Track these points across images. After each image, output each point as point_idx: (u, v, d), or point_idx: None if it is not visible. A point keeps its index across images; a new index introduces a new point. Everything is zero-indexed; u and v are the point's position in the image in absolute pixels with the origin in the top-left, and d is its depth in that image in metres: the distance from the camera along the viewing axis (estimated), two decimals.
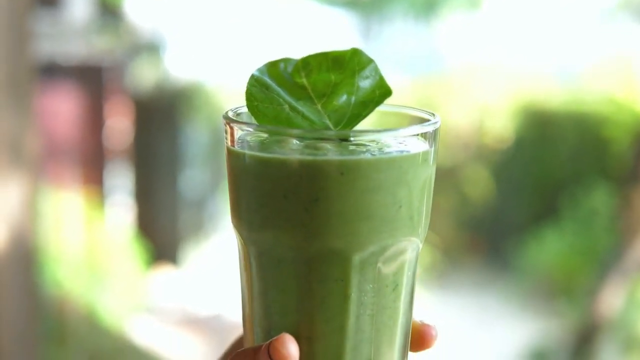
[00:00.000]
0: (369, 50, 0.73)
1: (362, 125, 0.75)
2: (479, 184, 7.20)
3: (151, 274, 5.92)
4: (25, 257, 2.22)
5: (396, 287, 0.73)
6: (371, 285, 0.71)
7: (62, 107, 5.81)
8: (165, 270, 6.35)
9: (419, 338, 0.77)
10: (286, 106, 0.73)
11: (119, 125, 6.37)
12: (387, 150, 0.71)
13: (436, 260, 6.61)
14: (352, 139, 0.71)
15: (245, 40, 8.28)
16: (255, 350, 0.71)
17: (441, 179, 7.22)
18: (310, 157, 0.68)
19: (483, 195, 7.18)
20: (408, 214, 0.71)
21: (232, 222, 0.76)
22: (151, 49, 6.82)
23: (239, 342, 0.85)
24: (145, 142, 6.61)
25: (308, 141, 0.70)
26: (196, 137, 7.19)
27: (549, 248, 6.15)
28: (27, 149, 2.18)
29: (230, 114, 0.76)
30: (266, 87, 0.73)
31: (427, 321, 0.78)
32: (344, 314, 0.71)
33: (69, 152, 5.84)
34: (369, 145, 0.71)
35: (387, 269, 0.72)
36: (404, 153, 0.71)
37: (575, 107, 6.97)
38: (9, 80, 2.10)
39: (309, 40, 9.16)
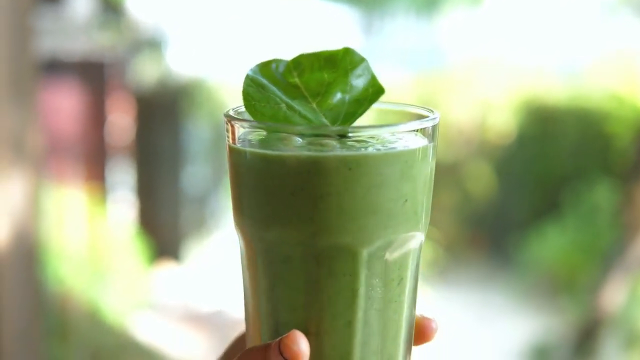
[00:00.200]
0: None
1: (358, 122, 0.75)
2: (481, 179, 7.20)
3: (153, 270, 5.92)
4: (28, 253, 2.22)
5: (401, 281, 0.74)
6: (378, 280, 0.72)
7: (64, 104, 5.81)
8: (167, 267, 6.36)
9: (419, 331, 0.78)
10: (283, 105, 0.74)
11: (121, 121, 6.37)
12: (390, 145, 0.72)
13: (438, 256, 6.61)
14: (355, 134, 0.72)
15: (247, 37, 8.28)
16: (266, 348, 0.71)
17: (443, 175, 7.23)
18: (318, 153, 0.69)
19: (485, 191, 7.18)
20: (413, 208, 0.72)
21: (236, 220, 0.76)
22: (153, 45, 6.82)
23: (239, 341, 0.85)
24: (148, 138, 6.61)
25: (311, 138, 0.71)
26: (198, 133, 7.19)
27: (551, 244, 6.15)
28: (29, 146, 2.18)
29: (232, 113, 0.76)
30: (262, 86, 0.74)
31: (427, 315, 0.79)
32: (352, 309, 0.71)
33: (71, 148, 5.84)
34: (369, 142, 0.71)
35: (393, 263, 0.73)
36: (409, 148, 0.72)
37: (578, 103, 6.97)
38: (11, 77, 2.10)
39: (311, 36, 9.16)
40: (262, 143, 0.73)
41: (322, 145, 0.70)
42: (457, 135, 7.16)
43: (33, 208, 2.22)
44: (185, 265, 6.59)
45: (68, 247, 4.87)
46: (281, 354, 0.69)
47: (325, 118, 0.74)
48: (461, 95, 7.33)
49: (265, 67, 0.75)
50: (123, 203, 6.36)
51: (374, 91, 0.75)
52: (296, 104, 0.74)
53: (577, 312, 5.10)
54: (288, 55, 0.77)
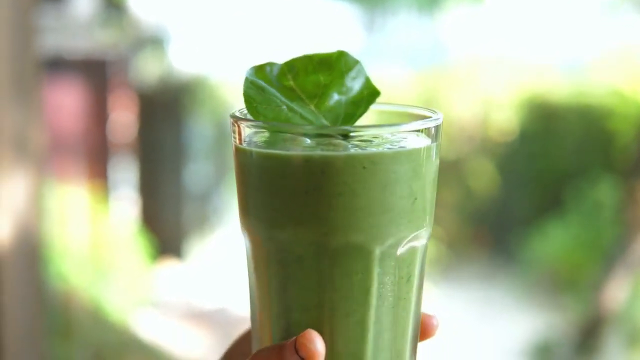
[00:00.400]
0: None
1: (358, 124, 0.76)
2: (484, 177, 7.20)
3: (156, 267, 5.92)
4: (31, 251, 2.22)
5: (409, 278, 0.75)
6: (388, 277, 0.73)
7: (67, 101, 5.82)
8: (169, 264, 6.36)
9: (421, 328, 0.79)
10: (284, 107, 0.74)
11: (124, 119, 6.37)
12: (398, 144, 0.73)
13: (441, 253, 6.61)
14: (365, 134, 0.73)
15: (249, 34, 8.28)
16: (280, 348, 0.71)
17: (446, 172, 7.23)
18: (334, 153, 0.70)
19: (487, 189, 7.18)
20: (422, 206, 0.73)
21: (243, 221, 0.76)
22: (155, 42, 6.82)
23: (240, 342, 0.85)
24: (150, 135, 6.61)
25: (319, 138, 0.72)
26: (200, 130, 7.19)
27: (554, 241, 6.15)
28: (32, 143, 2.18)
29: (238, 114, 0.76)
30: (262, 89, 0.75)
31: (428, 311, 0.80)
32: (364, 307, 0.72)
33: (74, 146, 5.84)
34: (373, 141, 0.72)
35: (403, 261, 0.73)
36: (419, 147, 0.73)
37: (580, 100, 6.96)
38: (13, 75, 2.10)
39: (313, 34, 9.16)
40: (270, 144, 0.73)
41: (333, 145, 0.71)
42: (459, 132, 7.16)
43: (36, 206, 2.22)
44: (188, 262, 6.60)
45: (71, 244, 4.88)
46: (297, 352, 0.70)
47: (326, 119, 0.75)
48: (463, 93, 7.32)
49: (260, 70, 0.75)
50: (125, 201, 6.37)
51: (369, 93, 0.76)
52: (296, 106, 0.75)
53: (579, 309, 5.10)
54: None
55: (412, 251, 0.74)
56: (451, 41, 9.02)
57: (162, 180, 6.68)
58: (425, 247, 0.77)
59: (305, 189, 0.70)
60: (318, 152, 0.70)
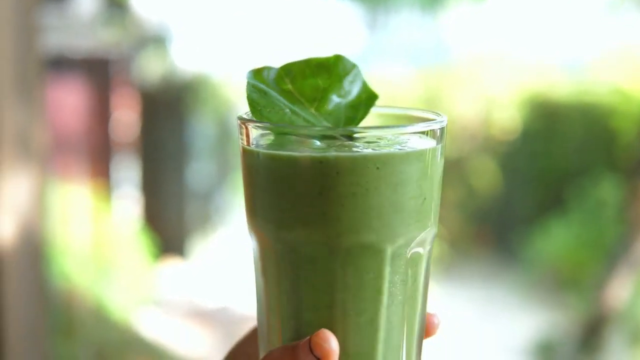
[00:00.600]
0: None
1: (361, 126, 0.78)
2: (486, 175, 7.20)
3: (158, 266, 5.93)
4: (33, 250, 2.23)
5: (417, 277, 0.76)
6: (398, 277, 0.73)
7: (69, 100, 5.82)
8: (172, 263, 6.37)
9: None
10: (287, 110, 0.75)
11: (126, 117, 6.38)
12: (406, 145, 0.73)
13: (443, 252, 6.62)
14: (375, 134, 0.73)
15: (252, 33, 8.28)
16: (294, 348, 0.71)
17: (448, 171, 7.19)
18: (347, 154, 0.71)
19: (490, 187, 7.18)
20: (430, 206, 0.75)
21: (251, 223, 0.76)
22: (158, 41, 6.83)
23: (244, 342, 0.85)
24: (152, 134, 6.61)
25: (329, 140, 0.72)
26: (203, 129, 7.20)
27: (556, 240, 6.15)
28: (35, 142, 2.18)
29: (245, 116, 0.77)
30: (264, 92, 0.75)
31: (429, 310, 0.80)
32: (375, 306, 0.73)
33: (76, 144, 5.85)
34: (379, 142, 0.73)
35: (412, 260, 0.74)
36: (428, 147, 0.74)
37: (582, 99, 6.96)
38: (16, 74, 2.10)
39: (316, 32, 9.16)
40: (278, 145, 0.74)
41: (345, 146, 0.72)
42: (461, 131, 7.16)
43: (38, 204, 2.22)
44: (190, 261, 6.60)
45: (73, 243, 4.88)
46: (312, 352, 0.70)
47: (327, 122, 0.76)
48: (466, 91, 7.32)
49: (258, 74, 0.76)
50: (128, 199, 6.37)
51: (367, 97, 0.78)
52: (297, 109, 0.76)
53: (582, 308, 5.10)
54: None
55: (420, 250, 0.75)
56: (453, 40, 9.02)
57: (164, 179, 6.68)
58: (432, 246, 0.78)
59: (320, 190, 0.71)
60: (333, 153, 0.70)
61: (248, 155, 0.75)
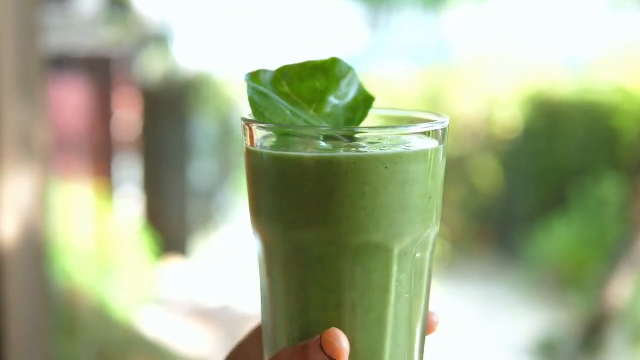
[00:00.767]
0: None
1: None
2: (488, 174, 7.19)
3: (160, 265, 5.93)
4: (35, 249, 2.23)
5: (422, 275, 0.76)
6: (405, 275, 0.74)
7: (71, 99, 5.83)
8: (174, 262, 6.37)
9: None
10: (288, 112, 0.76)
11: (128, 116, 6.38)
12: (414, 145, 0.74)
13: (445, 251, 6.62)
14: (382, 134, 0.74)
15: (254, 32, 8.28)
16: (304, 347, 0.71)
17: (450, 170, 7.19)
18: (357, 154, 0.71)
19: (492, 186, 7.18)
20: (434, 205, 0.76)
21: (256, 223, 0.76)
22: (159, 40, 6.83)
23: (246, 343, 0.84)
24: (154, 133, 6.62)
25: (334, 141, 0.73)
26: (204, 128, 7.20)
27: (558, 239, 6.15)
28: (37, 141, 2.18)
29: (249, 117, 0.77)
30: (265, 95, 0.76)
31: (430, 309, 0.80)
32: (382, 305, 0.73)
33: (78, 144, 5.85)
34: (382, 142, 0.73)
35: (417, 259, 0.75)
36: (433, 147, 0.75)
37: (584, 97, 6.96)
38: (18, 73, 2.11)
39: (318, 31, 9.16)
40: (283, 146, 0.74)
41: (352, 146, 0.72)
42: (463, 129, 7.16)
43: (40, 204, 2.23)
44: (192, 260, 6.60)
45: (75, 242, 4.88)
46: (322, 351, 0.70)
47: (327, 124, 0.77)
48: (468, 90, 7.32)
49: (255, 77, 0.76)
50: (130, 198, 6.37)
51: (364, 99, 0.78)
52: (297, 111, 0.76)
53: (583, 306, 5.10)
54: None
55: (425, 249, 0.76)
56: (456, 39, 9.02)
57: (166, 177, 6.69)
58: (435, 244, 0.78)
59: (329, 190, 0.71)
60: (342, 153, 0.71)
61: (253, 157, 0.75)
